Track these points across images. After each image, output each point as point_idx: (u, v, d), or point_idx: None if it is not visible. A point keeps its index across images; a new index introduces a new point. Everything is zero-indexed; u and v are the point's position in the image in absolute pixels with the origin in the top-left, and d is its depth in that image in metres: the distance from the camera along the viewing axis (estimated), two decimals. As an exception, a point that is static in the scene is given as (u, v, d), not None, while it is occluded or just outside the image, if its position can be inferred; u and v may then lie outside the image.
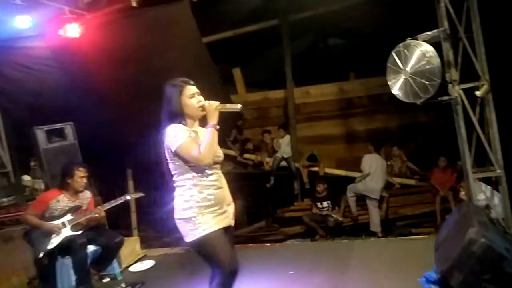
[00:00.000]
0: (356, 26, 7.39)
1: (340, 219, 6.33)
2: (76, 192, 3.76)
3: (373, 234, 6.27)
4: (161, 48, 4.86)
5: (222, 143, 2.47)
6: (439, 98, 3.53)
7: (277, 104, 8.28)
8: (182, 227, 2.30)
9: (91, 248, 3.69)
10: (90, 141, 4.92)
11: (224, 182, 2.45)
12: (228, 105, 2.40)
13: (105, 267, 3.95)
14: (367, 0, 6.45)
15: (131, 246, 4.60)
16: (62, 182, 3.74)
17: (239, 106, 2.38)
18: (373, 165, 6.43)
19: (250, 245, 5.27)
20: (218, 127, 2.29)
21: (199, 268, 2.36)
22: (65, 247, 3.59)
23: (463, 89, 3.60)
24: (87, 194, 3.88)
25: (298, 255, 4.46)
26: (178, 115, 2.32)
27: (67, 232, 3.63)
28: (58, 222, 3.62)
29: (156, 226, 6.70)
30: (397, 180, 6.94)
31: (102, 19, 4.33)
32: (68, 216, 3.67)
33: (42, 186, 4.72)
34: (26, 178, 4.99)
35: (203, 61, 5.55)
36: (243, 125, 8.18)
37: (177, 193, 2.33)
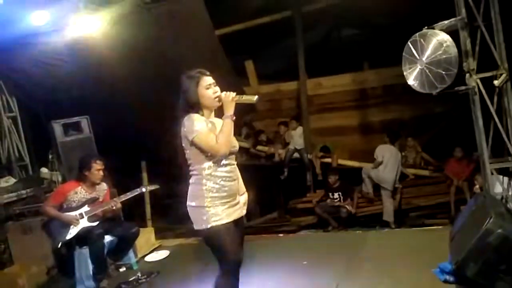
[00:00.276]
0: (370, 16, 7.28)
1: (353, 210, 6.32)
2: (93, 184, 3.83)
3: (386, 225, 6.24)
4: (175, 41, 4.89)
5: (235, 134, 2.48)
6: (456, 88, 3.48)
7: (289, 96, 8.24)
8: (194, 214, 2.34)
9: (107, 238, 3.77)
10: (105, 134, 5.00)
11: (238, 174, 2.47)
12: (244, 96, 2.40)
13: (121, 257, 4.03)
14: (381, -11, 6.34)
15: (146, 236, 4.68)
16: (80, 175, 3.81)
17: (255, 97, 2.37)
18: (386, 155, 6.39)
19: (263, 235, 5.31)
20: (234, 117, 2.31)
21: (213, 258, 2.39)
22: (83, 238, 3.68)
23: (481, 79, 3.53)
24: (104, 186, 3.95)
25: (311, 246, 4.48)
26: (195, 106, 2.34)
27: (84, 223, 3.71)
28: (75, 213, 3.70)
29: (170, 217, 6.80)
30: (411, 171, 6.87)
31: (116, 14, 4.36)
32: (85, 208, 3.75)
33: (60, 178, 4.83)
34: (44, 170, 5.09)
35: (216, 53, 5.56)
36: (254, 118, 8.17)
37: (192, 181, 2.35)
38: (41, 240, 3.95)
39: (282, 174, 7.30)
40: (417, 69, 3.57)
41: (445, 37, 3.41)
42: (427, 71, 3.49)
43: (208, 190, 2.29)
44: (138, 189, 3.92)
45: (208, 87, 2.35)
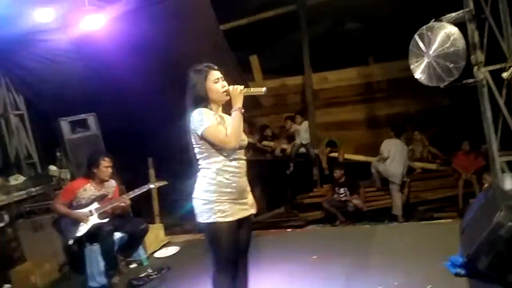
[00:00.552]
0: (375, 9, 7.23)
1: (360, 204, 6.32)
2: (102, 181, 3.85)
3: (395, 219, 6.24)
4: (180, 37, 4.88)
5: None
6: (464, 81, 3.46)
7: (295, 91, 8.24)
8: (199, 207, 2.33)
9: (117, 235, 3.78)
10: (112, 131, 5.01)
11: (245, 171, 2.45)
12: (252, 89, 2.40)
13: (131, 253, 4.07)
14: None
15: (155, 232, 4.70)
16: (88, 172, 3.83)
17: (263, 89, 2.35)
18: (392, 149, 6.37)
19: (271, 230, 5.32)
20: (243, 110, 2.30)
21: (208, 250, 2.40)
22: (93, 235, 3.70)
23: (489, 71, 3.50)
24: (112, 183, 3.97)
25: (319, 241, 4.48)
26: (203, 100, 2.33)
27: (94, 220, 3.74)
28: (85, 210, 3.73)
29: (178, 213, 6.83)
30: (418, 164, 6.86)
31: (122, 10, 4.36)
32: (95, 205, 3.77)
33: (68, 176, 4.86)
34: (53, 168, 5.12)
35: (221, 48, 5.55)
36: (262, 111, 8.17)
37: (201, 174, 2.34)
38: (52, 237, 3.99)
39: (288, 169, 7.31)
40: (424, 62, 3.55)
41: (452, 30, 3.39)
42: (434, 64, 3.47)
43: (216, 184, 2.28)
44: (146, 186, 3.93)
45: (216, 81, 2.35)
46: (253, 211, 2.50)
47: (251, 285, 2.53)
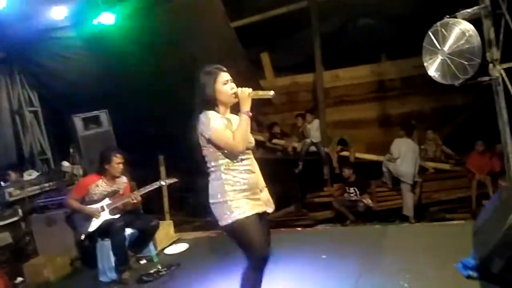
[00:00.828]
0: (388, 6, 7.13)
1: (371, 204, 6.27)
2: (113, 177, 3.89)
3: (406, 219, 6.16)
4: (191, 34, 4.90)
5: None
6: (479, 79, 3.39)
7: (306, 89, 8.18)
8: (217, 211, 2.33)
9: (128, 231, 3.82)
10: (124, 128, 5.06)
11: (256, 167, 2.47)
12: (260, 92, 2.39)
13: (142, 249, 4.09)
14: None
15: (165, 229, 4.73)
16: (100, 168, 3.87)
17: (271, 93, 2.36)
18: (402, 149, 6.29)
19: (281, 229, 5.31)
20: (251, 114, 2.30)
21: (231, 251, 2.40)
22: (105, 230, 3.74)
23: (505, 69, 3.43)
24: (123, 179, 4.00)
25: (330, 240, 4.45)
26: (212, 102, 2.34)
27: (106, 215, 3.78)
28: (97, 206, 3.77)
29: (187, 210, 6.87)
30: (430, 164, 6.76)
31: (133, 7, 4.39)
32: (107, 201, 3.81)
33: (81, 172, 4.92)
34: (66, 164, 5.20)
35: (232, 46, 5.56)
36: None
37: (211, 178, 2.36)
38: (65, 232, 4.04)
39: (297, 168, 7.28)
40: (438, 60, 3.49)
41: (467, 26, 3.32)
42: (448, 61, 3.40)
43: (228, 184, 2.29)
44: (157, 182, 3.96)
45: (225, 83, 2.35)
46: (269, 208, 2.50)
47: (262, 285, 2.52)
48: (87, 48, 5.17)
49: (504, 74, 3.43)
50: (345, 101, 7.93)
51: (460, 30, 3.34)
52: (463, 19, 3.40)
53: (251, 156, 2.42)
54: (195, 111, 2.35)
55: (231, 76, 2.39)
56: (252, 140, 2.41)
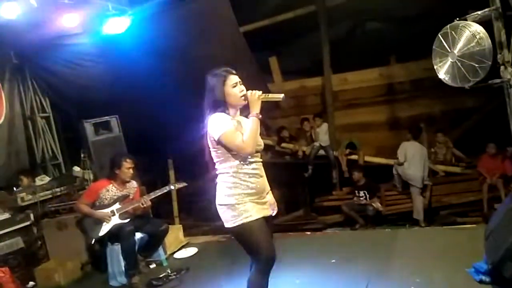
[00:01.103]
0: (396, 9, 7.11)
1: (381, 208, 6.22)
2: (124, 182, 3.92)
3: (416, 223, 6.10)
4: (201, 40, 4.94)
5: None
6: (490, 81, 3.35)
7: (314, 92, 8.18)
8: (224, 213, 2.33)
9: (138, 235, 3.85)
10: (134, 132, 5.10)
11: (263, 171, 2.46)
12: (270, 95, 2.40)
13: (151, 253, 4.11)
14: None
15: (174, 233, 4.74)
16: (111, 173, 3.91)
17: (281, 95, 2.35)
18: (409, 152, 6.23)
19: (290, 233, 5.30)
20: (260, 116, 2.30)
21: (241, 255, 2.40)
22: (115, 234, 3.77)
23: (516, 71, 3.38)
24: (133, 184, 4.04)
25: (339, 244, 4.43)
26: (221, 104, 2.34)
27: (116, 220, 3.81)
28: (107, 210, 3.81)
29: (197, 215, 6.88)
30: (441, 167, 6.69)
31: (144, 14, 4.44)
32: (117, 205, 3.85)
33: (91, 177, 4.97)
34: (76, 169, 5.25)
35: (241, 50, 5.58)
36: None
37: (220, 179, 2.36)
38: (76, 236, 4.08)
39: (307, 172, 7.26)
40: (448, 62, 3.46)
41: (478, 29, 3.29)
42: (459, 64, 3.37)
43: (236, 187, 2.29)
44: (167, 187, 3.98)
45: (234, 86, 2.35)
46: (274, 211, 2.51)
47: (271, 288, 2.52)
48: (98, 54, 5.24)
49: (515, 76, 3.38)
50: (354, 105, 7.90)
51: (470, 32, 3.30)
52: (474, 21, 3.37)
53: (260, 159, 2.42)
54: (204, 114, 2.36)
55: (240, 79, 2.40)
56: (261, 142, 2.41)
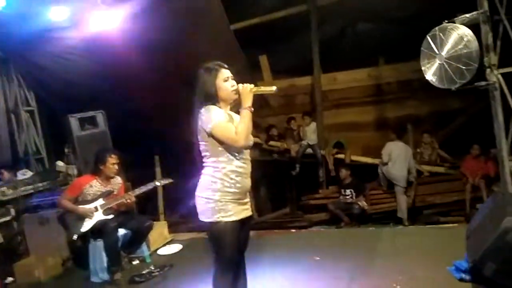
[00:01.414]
0: (386, 10, 7.16)
1: (366, 207, 6.27)
2: (108, 178, 3.87)
3: (400, 222, 6.17)
4: (190, 36, 4.89)
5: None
6: (476, 84, 3.39)
7: (303, 91, 8.18)
8: (201, 205, 2.31)
9: (121, 231, 3.80)
10: (120, 128, 5.04)
11: (250, 171, 2.41)
12: (263, 87, 2.37)
13: (134, 250, 4.07)
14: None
15: (159, 230, 4.71)
16: (95, 168, 3.85)
17: (274, 88, 2.33)
18: (394, 153, 6.30)
19: (275, 230, 5.30)
20: (252, 109, 2.27)
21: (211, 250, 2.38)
22: (97, 230, 3.72)
23: (502, 74, 3.43)
24: (118, 179, 3.98)
25: (324, 242, 4.45)
26: (212, 98, 2.30)
27: (99, 216, 3.75)
28: (90, 206, 3.75)
29: (182, 211, 6.84)
30: (425, 168, 6.76)
31: (133, 9, 4.37)
32: (100, 201, 3.79)
33: (75, 172, 4.90)
34: (60, 164, 5.17)
35: (231, 48, 5.55)
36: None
37: (205, 172, 2.32)
38: (57, 232, 4.02)
39: (294, 170, 7.27)
40: (436, 64, 3.49)
41: (466, 31, 3.33)
42: (446, 66, 3.40)
43: (221, 183, 2.26)
44: (152, 183, 3.94)
45: (226, 80, 2.32)
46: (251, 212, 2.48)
47: (255, 286, 2.51)
48: (85, 49, 5.14)
49: (501, 79, 3.44)
50: (343, 104, 7.93)
51: (458, 35, 3.34)
52: (462, 24, 3.40)
53: (248, 157, 2.39)
54: (194, 108, 2.32)
55: (231, 74, 2.37)
56: (251, 138, 2.36)
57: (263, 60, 8.22)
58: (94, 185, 3.81)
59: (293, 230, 5.57)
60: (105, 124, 4.85)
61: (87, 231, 3.72)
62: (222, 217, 2.25)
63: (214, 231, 2.29)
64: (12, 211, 4.38)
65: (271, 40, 7.98)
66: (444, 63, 3.40)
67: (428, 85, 3.64)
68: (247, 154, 2.37)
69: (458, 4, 3.70)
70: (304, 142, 7.32)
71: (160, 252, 4.50)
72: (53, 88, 5.70)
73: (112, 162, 3.82)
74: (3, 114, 5.50)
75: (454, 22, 3.42)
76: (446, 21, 3.46)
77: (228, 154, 2.27)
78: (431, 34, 3.51)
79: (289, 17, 7.41)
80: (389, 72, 7.67)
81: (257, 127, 7.87)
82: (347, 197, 6.36)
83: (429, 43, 3.50)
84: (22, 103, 5.79)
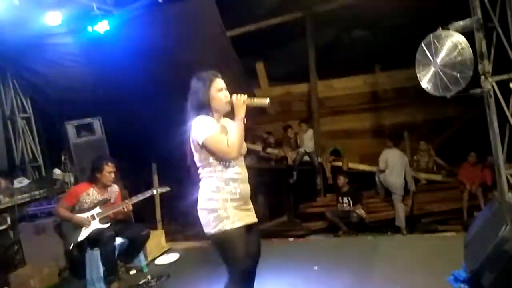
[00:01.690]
0: (382, 17, 7.21)
1: (364, 215, 6.25)
2: (105, 186, 3.85)
3: (398, 230, 6.15)
4: (187, 43, 4.89)
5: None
6: (471, 91, 3.42)
7: (300, 98, 8.22)
8: (204, 217, 2.28)
9: (118, 240, 3.78)
10: (117, 135, 5.02)
11: (246, 176, 2.39)
12: (256, 100, 2.36)
13: (131, 259, 4.03)
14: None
15: (156, 239, 4.67)
16: (92, 176, 3.83)
17: (267, 100, 2.32)
18: (390, 160, 6.31)
19: (273, 239, 5.27)
20: (245, 121, 2.26)
21: (222, 262, 2.35)
22: (94, 239, 3.69)
23: (496, 82, 3.46)
24: (115, 188, 3.97)
25: (322, 251, 4.43)
26: (205, 107, 2.29)
27: (96, 224, 3.73)
28: (87, 215, 3.73)
29: (180, 220, 6.80)
30: (422, 175, 6.77)
31: (129, 15, 4.39)
32: (97, 209, 3.77)
33: (72, 179, 4.87)
34: (57, 171, 5.14)
35: (227, 55, 5.54)
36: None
37: (203, 183, 2.30)
38: (54, 241, 3.99)
39: (292, 178, 7.26)
40: (431, 72, 3.52)
41: (460, 39, 3.36)
42: (441, 73, 3.44)
43: (218, 191, 2.25)
44: (149, 191, 3.93)
45: (219, 90, 2.31)
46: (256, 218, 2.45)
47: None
48: (82, 55, 5.14)
49: (495, 87, 3.46)
50: (339, 111, 7.96)
51: (452, 42, 3.38)
52: (456, 31, 3.44)
53: (243, 163, 2.38)
54: (187, 117, 2.30)
55: (226, 84, 2.36)
56: (244, 145, 2.36)
57: (260, 67, 8.26)
58: (91, 193, 3.80)
59: (291, 239, 5.54)
60: (102, 131, 4.84)
61: (83, 240, 3.69)
62: (226, 225, 2.21)
63: (221, 240, 2.25)
64: (8, 220, 4.34)
65: (268, 47, 8.02)
66: (439, 71, 3.43)
67: (423, 92, 3.67)
68: (241, 160, 2.36)
69: (453, 12, 3.73)
70: (301, 150, 7.31)
71: (157, 261, 4.46)
72: (50, 95, 5.67)
73: (108, 170, 3.81)
74: (-1, 121, 5.48)
75: (448, 29, 3.46)
76: (440, 28, 3.49)
77: (221, 163, 2.26)
78: (425, 42, 3.54)
79: (285, 24, 7.46)
80: (385, 79, 7.72)
81: (254, 134, 7.89)
82: (345, 205, 6.35)
83: (424, 50, 3.53)
84: (19, 110, 5.77)
